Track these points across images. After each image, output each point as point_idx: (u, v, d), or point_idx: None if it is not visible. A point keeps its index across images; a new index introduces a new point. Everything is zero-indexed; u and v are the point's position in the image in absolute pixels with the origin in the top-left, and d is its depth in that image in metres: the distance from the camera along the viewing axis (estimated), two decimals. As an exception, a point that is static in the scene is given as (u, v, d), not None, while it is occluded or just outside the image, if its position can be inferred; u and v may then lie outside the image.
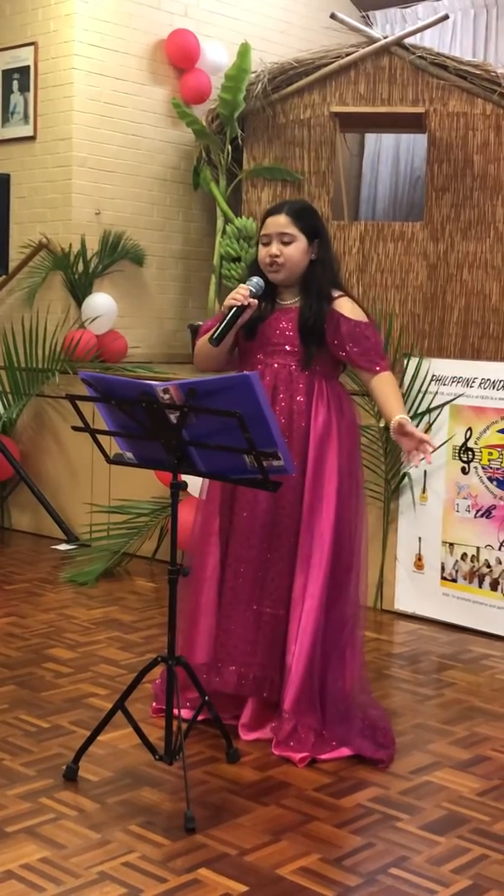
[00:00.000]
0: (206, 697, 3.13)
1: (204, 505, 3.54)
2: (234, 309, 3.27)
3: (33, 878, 2.52)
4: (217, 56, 7.05)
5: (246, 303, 3.28)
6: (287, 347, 3.38)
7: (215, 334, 3.28)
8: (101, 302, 6.46)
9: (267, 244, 3.39)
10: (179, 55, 6.93)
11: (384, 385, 3.37)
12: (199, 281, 7.26)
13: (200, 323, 6.97)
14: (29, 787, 3.01)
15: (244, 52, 6.54)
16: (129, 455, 3.13)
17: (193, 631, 3.48)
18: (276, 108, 6.79)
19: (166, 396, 2.82)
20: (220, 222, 6.93)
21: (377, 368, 3.37)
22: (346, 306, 3.39)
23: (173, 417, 2.83)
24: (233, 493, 3.42)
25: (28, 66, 6.69)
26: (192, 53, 6.94)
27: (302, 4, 7.83)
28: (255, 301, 3.32)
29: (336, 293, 3.41)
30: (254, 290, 3.32)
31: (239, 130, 6.79)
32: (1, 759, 3.19)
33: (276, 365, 3.38)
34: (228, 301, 3.29)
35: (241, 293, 3.28)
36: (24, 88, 6.75)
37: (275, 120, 6.82)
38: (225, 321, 3.28)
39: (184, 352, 7.02)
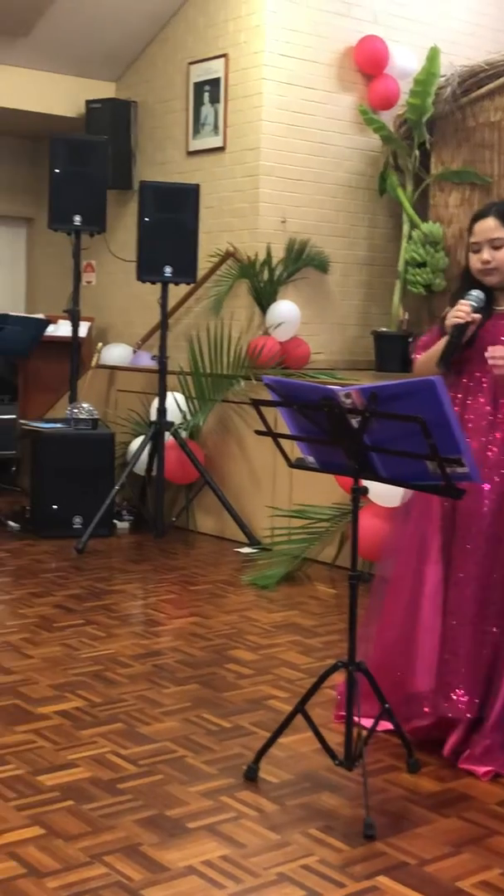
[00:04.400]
0: (387, 705, 3.10)
1: (416, 519, 3.37)
2: (457, 326, 3.19)
3: (214, 875, 2.56)
4: (406, 61, 7.01)
5: (469, 319, 3.19)
6: None
7: (443, 357, 3.21)
8: (285, 309, 6.52)
9: (477, 251, 3.27)
10: (368, 62, 6.93)
11: None
12: (383, 287, 7.23)
13: (384, 329, 6.95)
14: (210, 785, 3.06)
15: (433, 56, 6.48)
16: (311, 459, 3.14)
17: (413, 654, 3.28)
18: (466, 112, 6.69)
19: (348, 401, 2.82)
20: (405, 227, 6.88)
21: None
22: None
23: (355, 422, 2.83)
24: (453, 508, 3.24)
25: (218, 78, 6.83)
26: (381, 60, 6.93)
27: (492, 6, 7.70)
28: (479, 315, 3.21)
29: None
30: (475, 305, 3.22)
31: (427, 135, 6.73)
32: (184, 756, 3.26)
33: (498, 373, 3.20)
34: (451, 319, 3.20)
35: (464, 309, 3.19)
36: (214, 100, 6.89)
37: (464, 123, 6.73)
38: (449, 341, 3.20)
39: (366, 358, 7.01)
